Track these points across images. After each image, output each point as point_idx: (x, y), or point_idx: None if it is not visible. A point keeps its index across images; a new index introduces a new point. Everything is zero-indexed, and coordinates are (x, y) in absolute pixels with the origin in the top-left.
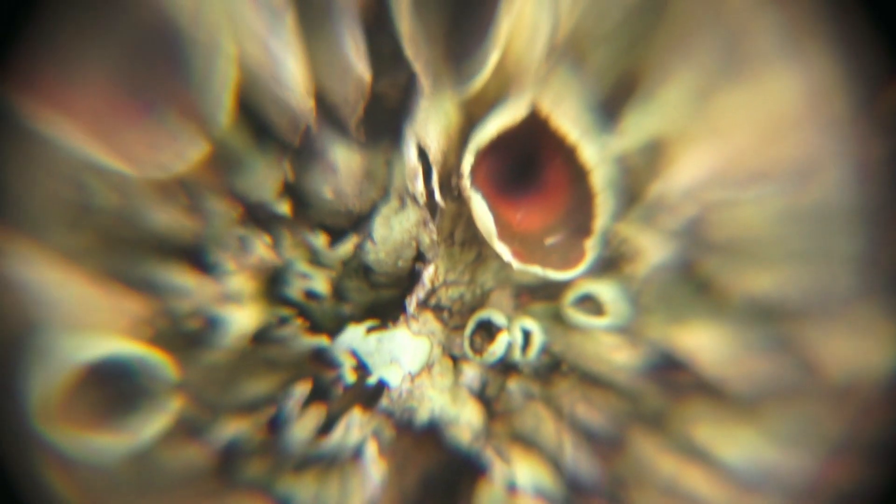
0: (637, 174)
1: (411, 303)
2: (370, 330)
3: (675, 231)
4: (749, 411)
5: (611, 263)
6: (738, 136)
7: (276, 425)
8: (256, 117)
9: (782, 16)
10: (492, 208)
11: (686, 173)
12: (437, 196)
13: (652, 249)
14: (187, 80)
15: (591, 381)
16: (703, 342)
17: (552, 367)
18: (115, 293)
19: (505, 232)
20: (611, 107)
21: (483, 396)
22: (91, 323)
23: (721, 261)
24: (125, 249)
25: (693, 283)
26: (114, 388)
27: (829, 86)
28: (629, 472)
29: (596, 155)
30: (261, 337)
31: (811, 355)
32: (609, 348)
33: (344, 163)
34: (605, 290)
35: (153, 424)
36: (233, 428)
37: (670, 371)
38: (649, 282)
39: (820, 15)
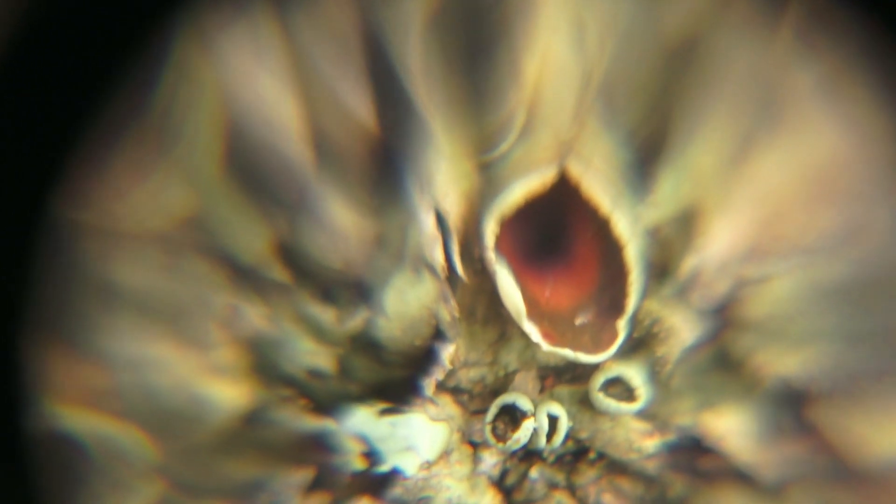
0: (671, 247)
1: (428, 385)
2: (382, 413)
3: (708, 309)
4: (776, 498)
5: (641, 344)
6: (774, 203)
7: None
8: (249, 170)
9: (821, 68)
10: (518, 283)
11: (721, 246)
12: (458, 268)
13: (685, 329)
14: (178, 128)
15: (619, 469)
16: (733, 426)
17: (578, 455)
18: (89, 364)
19: (533, 310)
20: (644, 171)
21: (503, 485)
22: (61, 395)
23: (754, 340)
24: (95, 314)
25: (725, 364)
26: (77, 469)
27: (873, 143)
28: None
29: (630, 227)
30: (254, 417)
31: (840, 440)
32: (639, 434)
33: (354, 229)
34: (635, 373)
35: None
36: None
37: (699, 456)
38: (681, 364)
39: (862, 66)
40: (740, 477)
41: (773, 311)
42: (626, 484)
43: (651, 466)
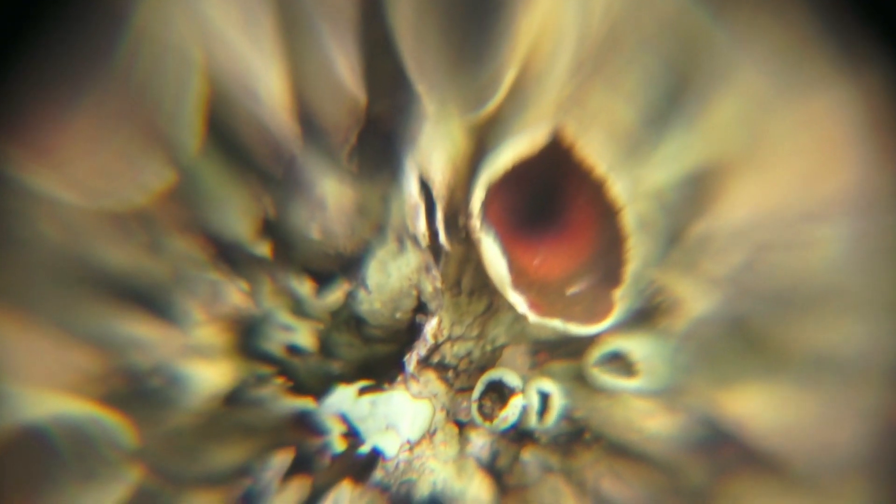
0: (676, 213)
1: (411, 361)
2: (363, 391)
3: (720, 278)
4: (809, 490)
5: (644, 317)
6: (790, 167)
7: (251, 501)
8: (230, 142)
9: (835, 34)
10: (505, 252)
11: (734, 211)
12: (442, 237)
13: (693, 300)
14: (147, 93)
15: (620, 452)
16: (754, 408)
17: (574, 436)
18: (59, 344)
19: (521, 280)
20: (646, 134)
21: (493, 468)
22: (28, 378)
23: (775, 312)
24: (71, 293)
25: (742, 338)
26: (57, 456)
27: (886, 109)
28: None
29: (628, 190)
30: (234, 398)
31: (887, 423)
32: (641, 414)
33: (333, 197)
34: (636, 348)
35: (107, 498)
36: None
37: (715, 442)
38: (690, 338)
39: (875, 33)
40: (764, 465)
41: (796, 282)
42: (627, 468)
43: (657, 450)
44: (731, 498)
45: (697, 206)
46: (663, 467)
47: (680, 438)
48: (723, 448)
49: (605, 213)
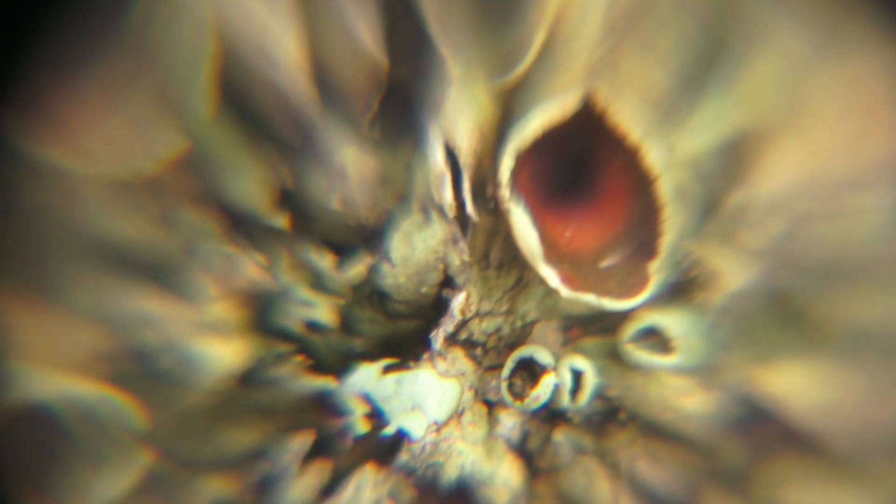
0: (713, 181)
1: (437, 337)
2: (387, 370)
3: (759, 250)
4: (853, 472)
5: (680, 290)
6: (830, 133)
7: (268, 486)
8: (245, 107)
9: None
10: (536, 223)
11: (773, 179)
12: (469, 208)
13: (731, 273)
14: (158, 57)
15: (655, 432)
16: (795, 385)
17: (607, 416)
18: (66, 321)
19: (552, 252)
20: (681, 99)
21: (524, 450)
22: (32, 357)
23: (817, 285)
24: (79, 268)
25: (782, 313)
26: (66, 437)
27: None
28: None
29: (663, 158)
30: (250, 378)
31: None
32: (677, 393)
33: (354, 166)
34: (672, 323)
35: (112, 485)
36: (214, 488)
37: (754, 421)
38: (728, 312)
39: None
40: (806, 446)
41: (839, 253)
42: (662, 449)
43: (694, 430)
44: (771, 480)
45: (735, 174)
46: (700, 448)
47: (717, 418)
48: (762, 428)
49: (640, 183)
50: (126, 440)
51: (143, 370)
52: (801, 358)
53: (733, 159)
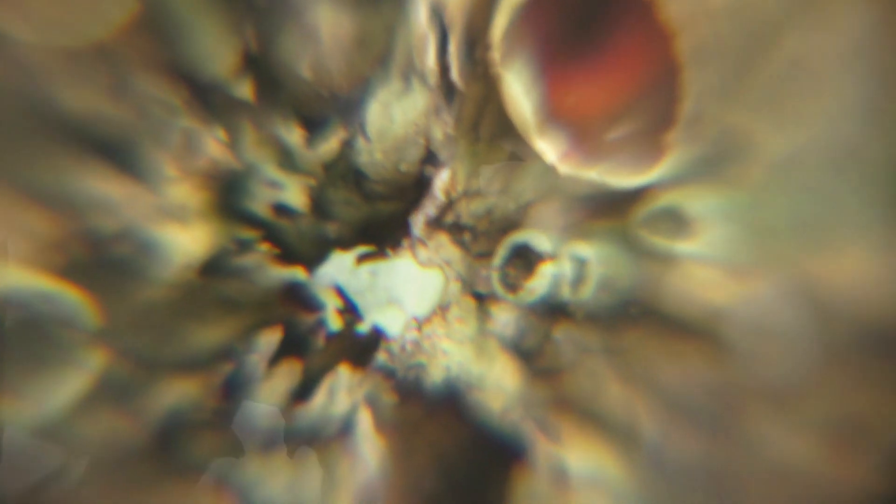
0: (745, 37)
1: (418, 221)
2: (362, 259)
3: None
4: None
5: (707, 164)
6: None
7: (234, 389)
8: None
9: None
10: (533, 88)
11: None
12: (455, 73)
13: (774, 141)
14: None
15: (677, 329)
16: (865, 274)
17: (616, 310)
18: (10, 204)
19: (552, 122)
20: None
21: (520, 349)
22: None
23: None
24: (23, 144)
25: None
26: (9, 338)
27: None
28: (738, 456)
29: (684, 10)
30: (213, 268)
31: None
32: (703, 285)
33: (328, 27)
34: (695, 203)
35: (66, 388)
36: (175, 392)
37: (805, 316)
38: (771, 188)
39: None
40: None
41: None
42: (688, 350)
43: (726, 331)
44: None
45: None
46: (736, 352)
47: (757, 317)
48: (823, 329)
49: (657, 39)
50: (77, 339)
51: (95, 259)
52: (870, 238)
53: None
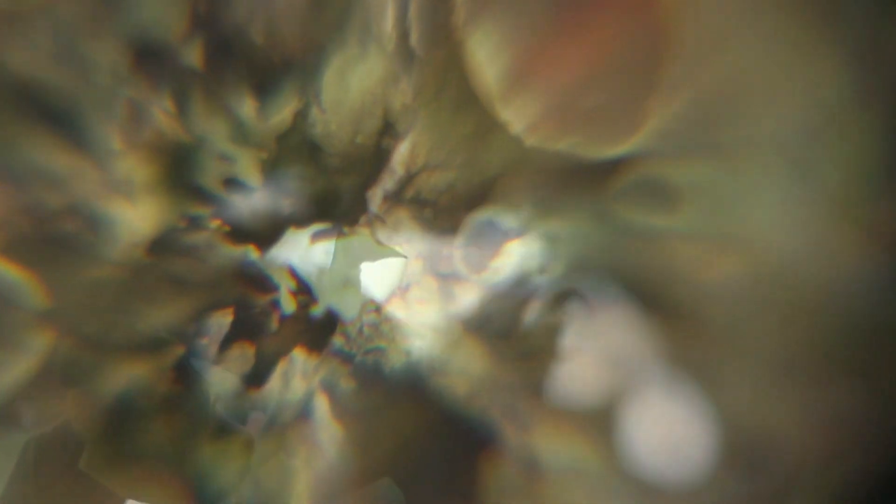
0: None
1: (376, 197)
2: (316, 237)
3: None
4: None
5: (690, 131)
6: None
7: (185, 372)
8: None
9: None
10: (499, 51)
11: None
12: (415, 38)
13: (759, 111)
14: None
15: (655, 311)
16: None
17: (591, 292)
18: None
19: (518, 89)
20: None
21: (485, 331)
22: None
23: None
24: None
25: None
26: None
27: None
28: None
29: None
30: (162, 245)
31: None
32: (690, 263)
33: None
34: (677, 173)
35: (10, 370)
36: (124, 375)
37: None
38: (755, 158)
39: None
40: None
41: None
42: (677, 330)
43: (716, 312)
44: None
45: None
46: (731, 333)
47: (751, 295)
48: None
49: None
50: (21, 320)
51: (39, 236)
52: None
53: None
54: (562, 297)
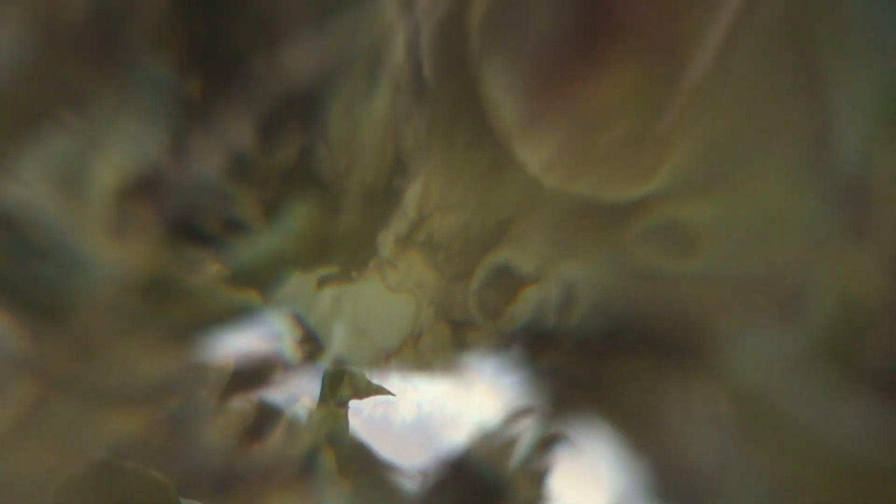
0: None
1: (387, 240)
2: (323, 282)
3: None
4: None
5: (710, 168)
6: None
7: (181, 424)
8: None
9: None
10: (516, 85)
11: None
12: (428, 70)
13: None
14: None
15: (676, 358)
16: None
17: (610, 338)
18: None
19: (535, 125)
20: None
21: (498, 381)
22: None
23: None
24: None
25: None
26: None
27: None
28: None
29: None
30: (155, 289)
31: None
32: (706, 308)
33: (283, 10)
34: (698, 213)
35: None
36: (115, 427)
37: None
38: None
39: None
40: None
41: None
42: (697, 384)
43: (730, 358)
44: None
45: None
46: (752, 393)
47: (767, 344)
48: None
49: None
50: (3, 368)
51: (20, 277)
52: None
53: None
54: (579, 345)
